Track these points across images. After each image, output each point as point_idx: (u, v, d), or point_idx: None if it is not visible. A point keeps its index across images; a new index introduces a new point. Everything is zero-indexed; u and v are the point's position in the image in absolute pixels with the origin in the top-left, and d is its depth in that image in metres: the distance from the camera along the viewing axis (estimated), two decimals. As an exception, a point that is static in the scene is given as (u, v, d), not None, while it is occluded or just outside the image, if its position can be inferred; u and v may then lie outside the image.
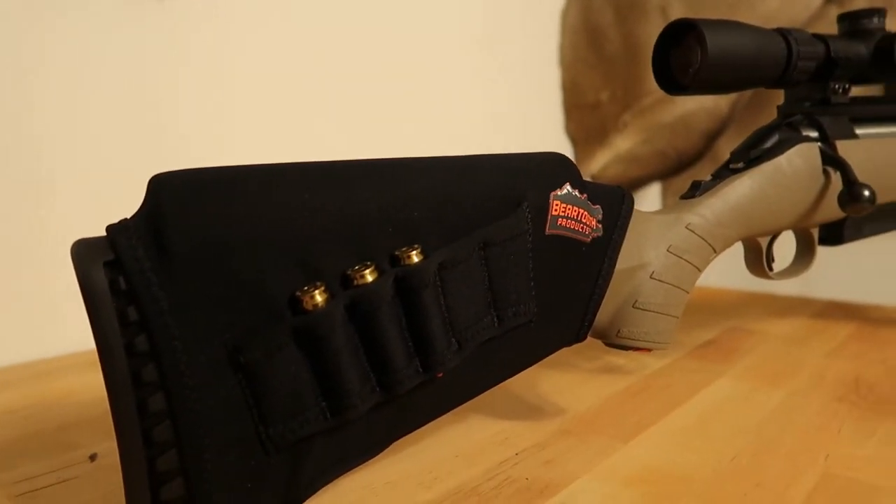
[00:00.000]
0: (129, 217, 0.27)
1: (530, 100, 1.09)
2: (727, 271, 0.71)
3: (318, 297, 0.28)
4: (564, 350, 0.39)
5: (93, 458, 0.37)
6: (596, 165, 1.13)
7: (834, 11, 0.96)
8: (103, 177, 0.63)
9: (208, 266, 0.26)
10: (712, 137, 1.09)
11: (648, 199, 1.16)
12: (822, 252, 0.52)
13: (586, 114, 1.13)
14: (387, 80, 0.88)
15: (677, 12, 1.07)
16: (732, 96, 1.04)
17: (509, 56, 1.04)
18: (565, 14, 1.12)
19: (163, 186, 0.26)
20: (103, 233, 0.26)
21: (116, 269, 0.25)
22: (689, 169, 1.12)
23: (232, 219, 0.27)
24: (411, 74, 0.91)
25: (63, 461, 0.38)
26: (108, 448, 0.39)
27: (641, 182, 1.16)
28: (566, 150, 1.13)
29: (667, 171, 1.14)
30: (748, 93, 1.02)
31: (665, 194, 1.17)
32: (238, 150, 0.72)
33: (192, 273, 0.26)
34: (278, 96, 0.76)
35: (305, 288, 0.28)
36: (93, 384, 0.51)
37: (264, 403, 0.27)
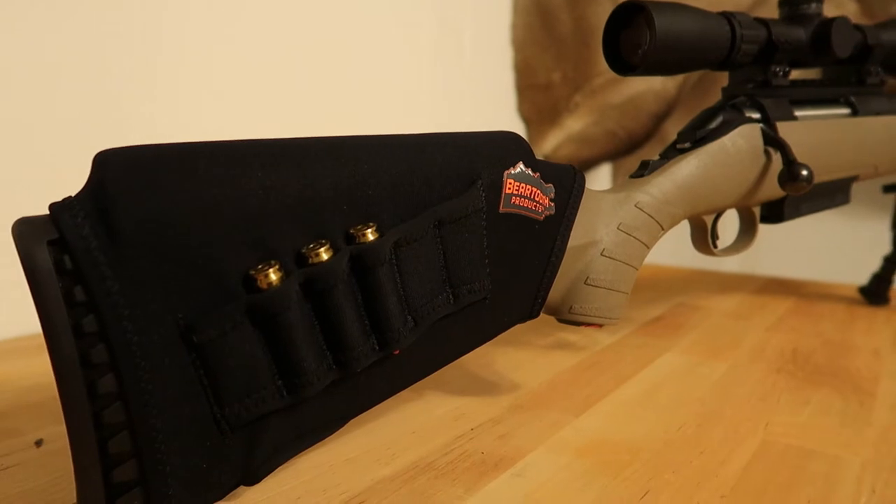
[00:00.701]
0: (72, 195, 0.26)
1: (483, 80, 1.09)
2: (675, 249, 0.74)
3: (273, 276, 0.28)
4: (519, 327, 0.40)
5: (38, 443, 0.36)
6: (548, 146, 1.14)
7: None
8: (62, 160, 0.61)
9: (158, 244, 0.25)
10: (660, 119, 1.11)
11: (599, 179, 1.18)
12: (765, 230, 0.54)
13: (538, 94, 1.14)
14: (338, 58, 0.86)
15: (627, -6, 1.08)
16: (679, 79, 1.06)
17: (462, 36, 1.04)
18: (517, -6, 1.12)
19: (108, 162, 0.26)
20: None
21: (61, 249, 0.25)
22: (638, 149, 1.14)
23: (182, 196, 0.26)
24: (364, 53, 0.90)
25: (6, 447, 0.37)
26: (54, 433, 0.38)
27: (593, 162, 1.18)
28: (519, 130, 1.14)
29: (617, 151, 1.16)
30: (694, 76, 1.05)
31: (615, 174, 1.19)
32: (200, 131, 0.70)
33: (141, 251, 0.25)
34: (237, 74, 0.75)
35: (259, 266, 0.28)
36: (33, 369, 0.49)
37: (219, 382, 0.27)
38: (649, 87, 1.09)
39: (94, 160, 0.26)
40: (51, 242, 0.25)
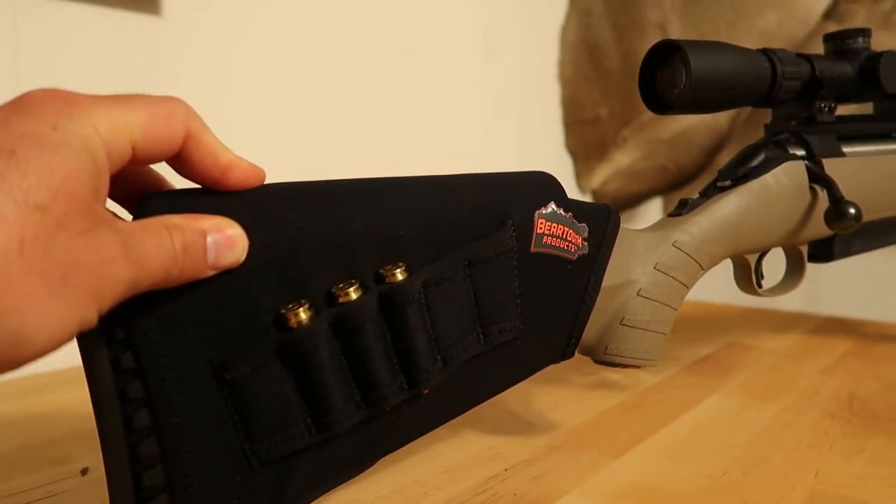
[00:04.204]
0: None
1: (530, 115, 1.10)
2: (730, 287, 0.72)
3: (303, 315, 0.28)
4: (559, 365, 0.39)
5: (84, 472, 0.38)
6: (596, 180, 1.14)
7: (832, 27, 0.97)
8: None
9: (193, 284, 0.27)
10: (712, 153, 1.09)
11: (650, 213, 1.16)
12: (825, 268, 0.52)
13: (586, 129, 1.14)
14: (387, 95, 0.89)
15: (676, 29, 1.08)
16: (731, 112, 1.05)
17: (509, 72, 1.06)
18: (564, 30, 1.13)
19: (149, 206, 0.27)
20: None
21: None
22: (689, 184, 1.13)
23: None
24: (412, 89, 0.92)
25: (55, 475, 0.38)
26: (100, 462, 0.39)
27: (642, 197, 1.16)
28: (566, 165, 1.14)
29: (667, 185, 1.14)
30: (747, 109, 1.03)
31: (667, 209, 1.17)
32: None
33: (177, 290, 0.26)
34: (280, 108, 0.77)
35: (290, 305, 0.29)
36: (84, 399, 0.51)
37: (249, 419, 0.28)
38: (700, 121, 1.08)
39: (138, 202, 0.28)
40: None
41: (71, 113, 0.23)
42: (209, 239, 0.26)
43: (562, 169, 1.12)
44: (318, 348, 0.29)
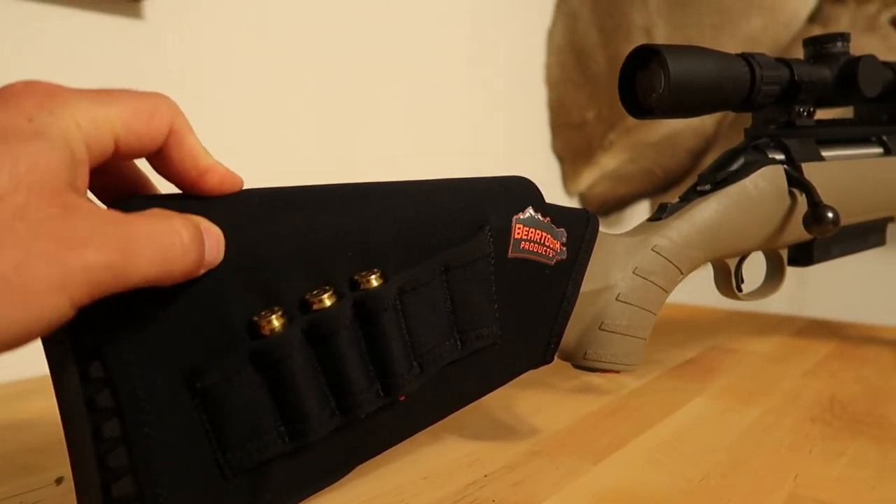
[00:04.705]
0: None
1: (517, 118, 1.10)
2: (712, 289, 0.72)
3: (276, 322, 0.28)
4: (541, 369, 0.39)
5: (59, 481, 0.37)
6: (583, 184, 1.14)
7: (817, 31, 0.97)
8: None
9: (164, 290, 0.26)
10: (698, 156, 1.10)
11: (637, 217, 1.17)
12: (811, 271, 0.52)
13: (573, 133, 1.14)
14: (375, 98, 0.88)
15: (661, 33, 1.08)
16: (717, 115, 1.05)
17: (496, 75, 1.06)
18: (551, 34, 1.14)
19: (133, 208, 0.27)
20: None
21: None
22: (675, 187, 1.13)
23: None
24: (399, 92, 0.92)
25: (29, 484, 0.38)
26: (76, 471, 0.39)
27: (629, 200, 1.17)
28: (553, 168, 1.14)
29: (654, 189, 1.15)
30: (733, 112, 1.03)
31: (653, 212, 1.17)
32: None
33: (147, 297, 0.26)
34: (264, 111, 0.77)
35: (263, 313, 0.28)
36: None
37: (222, 428, 0.28)
38: (686, 124, 1.08)
39: (123, 204, 0.27)
40: None
41: (52, 106, 0.23)
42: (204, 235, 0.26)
43: (548, 172, 1.13)
44: (292, 356, 0.28)
